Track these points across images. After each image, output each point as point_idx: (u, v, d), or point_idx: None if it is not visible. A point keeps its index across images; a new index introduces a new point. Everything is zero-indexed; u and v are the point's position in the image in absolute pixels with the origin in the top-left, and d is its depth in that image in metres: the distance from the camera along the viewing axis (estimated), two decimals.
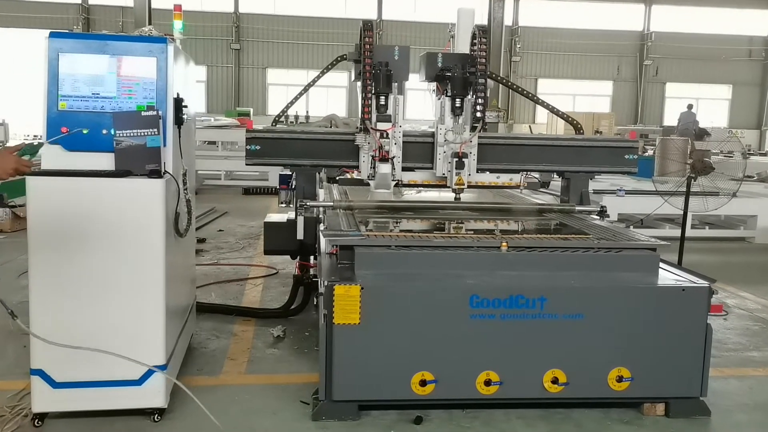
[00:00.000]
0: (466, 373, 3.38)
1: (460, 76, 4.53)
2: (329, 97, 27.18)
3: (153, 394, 3.27)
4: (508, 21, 28.74)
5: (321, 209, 4.66)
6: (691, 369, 3.48)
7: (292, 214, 4.89)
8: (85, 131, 3.25)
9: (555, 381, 3.41)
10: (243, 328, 4.81)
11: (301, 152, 4.98)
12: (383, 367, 3.35)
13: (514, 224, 4.67)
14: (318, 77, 5.18)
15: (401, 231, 4.17)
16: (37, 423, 3.23)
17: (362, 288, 3.28)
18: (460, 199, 4.73)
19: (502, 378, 3.39)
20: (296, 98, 5.43)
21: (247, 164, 5.23)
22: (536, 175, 5.75)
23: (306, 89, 5.29)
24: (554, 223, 4.52)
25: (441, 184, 4.77)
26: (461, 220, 4.65)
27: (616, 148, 5.25)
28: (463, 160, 4.58)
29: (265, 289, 6.01)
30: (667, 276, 3.62)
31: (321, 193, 5.28)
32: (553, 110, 5.56)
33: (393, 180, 4.64)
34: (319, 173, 5.15)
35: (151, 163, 3.27)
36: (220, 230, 8.97)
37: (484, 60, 4.55)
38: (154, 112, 3.28)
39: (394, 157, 4.57)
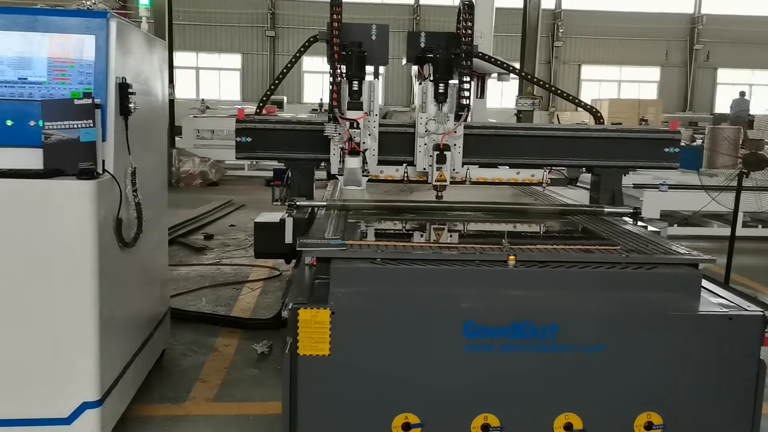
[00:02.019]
0: (459, 416, 2.79)
1: (443, 57, 3.93)
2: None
3: None
4: (550, 4, 27.79)
5: (317, 209, 4.12)
6: (739, 415, 2.83)
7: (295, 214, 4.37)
8: (9, 123, 2.76)
9: (568, 428, 2.80)
10: (226, 342, 4.31)
11: (297, 145, 4.43)
12: (358, 408, 2.79)
13: (528, 230, 4.04)
14: (293, 62, 4.62)
15: (393, 240, 3.59)
16: None
17: (333, 312, 2.72)
18: (442, 197, 4.10)
19: (503, 423, 2.80)
20: (276, 84, 4.87)
21: (237, 158, 4.73)
22: (563, 170, 5.14)
23: (284, 75, 4.74)
24: (576, 230, 3.88)
25: (421, 180, 4.16)
26: (471, 225, 4.05)
27: (654, 140, 4.56)
28: (445, 153, 3.97)
29: (262, 293, 5.50)
30: (711, 300, 2.96)
31: (330, 189, 4.75)
32: (567, 97, 4.91)
33: (366, 175, 4.06)
34: (317, 168, 4.61)
35: (84, 160, 2.76)
36: (232, 225, 8.53)
37: (469, 39, 3.95)
38: (89, 101, 2.76)
39: (366, 149, 3.99)
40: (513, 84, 12.89)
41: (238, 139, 4.46)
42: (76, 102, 2.76)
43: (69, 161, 2.74)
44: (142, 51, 3.30)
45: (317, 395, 2.78)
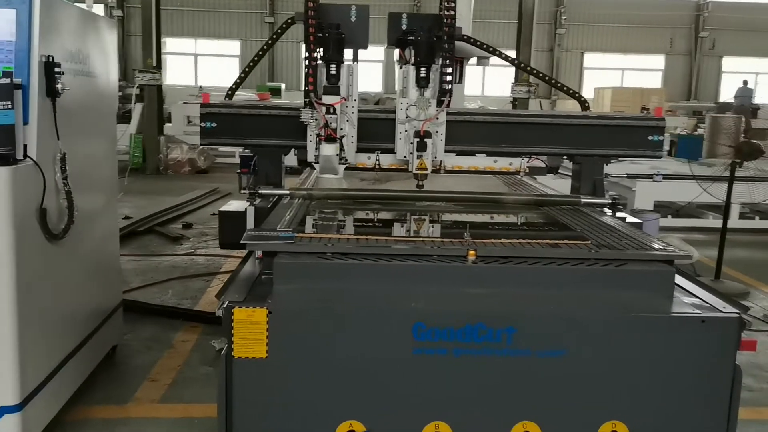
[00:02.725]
0: (408, 423, 2.58)
1: (425, 40, 3.70)
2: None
3: None
4: None
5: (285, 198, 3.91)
6: (712, 424, 2.61)
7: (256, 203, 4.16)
8: None
9: None
10: (185, 338, 4.11)
11: (265, 131, 4.20)
12: (299, 415, 2.58)
13: (498, 222, 3.82)
14: (267, 47, 4.40)
15: (353, 232, 3.38)
16: None
17: (270, 312, 2.50)
18: (422, 186, 3.89)
19: (455, 431, 2.58)
20: (247, 71, 4.64)
21: (201, 144, 4.51)
22: (544, 159, 4.90)
23: (256, 61, 4.51)
24: (549, 222, 3.65)
25: (402, 168, 3.93)
26: (437, 217, 3.82)
27: (637, 128, 4.31)
28: (426, 140, 3.74)
29: None
30: (685, 300, 2.74)
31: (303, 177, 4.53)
32: (550, 82, 4.68)
33: (343, 162, 3.85)
34: (285, 154, 4.38)
35: (2, 145, 2.54)
36: (214, 214, 8.29)
37: (451, 21, 3.71)
38: (8, 80, 2.54)
39: (343, 136, 3.78)
40: (511, 71, 12.63)
41: (203, 124, 4.22)
42: None
43: None
44: (80, 28, 3.07)
45: (254, 401, 2.57)
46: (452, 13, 3.85)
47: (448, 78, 3.83)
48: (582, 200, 4.04)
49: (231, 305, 2.51)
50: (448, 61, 3.82)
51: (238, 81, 4.84)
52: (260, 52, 4.71)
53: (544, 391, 2.58)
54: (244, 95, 17.17)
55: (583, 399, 2.59)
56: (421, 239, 3.00)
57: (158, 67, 11.90)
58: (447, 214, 3.87)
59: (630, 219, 4.25)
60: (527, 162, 4.39)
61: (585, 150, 4.27)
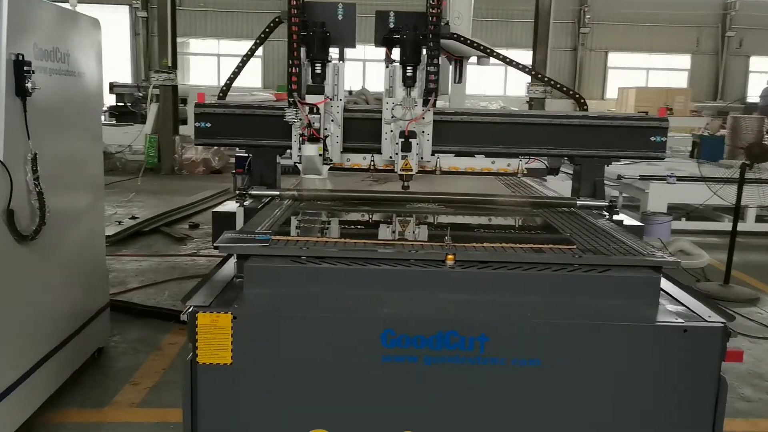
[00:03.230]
0: None
1: (411, 38, 3.63)
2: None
3: None
4: None
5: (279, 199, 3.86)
6: None
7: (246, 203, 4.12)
8: None
9: None
10: (174, 340, 4.08)
11: (259, 131, 4.15)
12: (265, 423, 2.51)
13: (484, 224, 3.71)
14: (256, 45, 4.35)
15: (334, 235, 3.31)
16: None
17: (235, 317, 2.44)
18: (408, 187, 3.82)
19: None
20: (238, 70, 4.59)
21: (196, 144, 4.49)
22: (545, 160, 4.79)
23: (246, 60, 4.45)
24: (538, 225, 3.54)
25: (388, 169, 3.86)
26: (423, 219, 3.73)
27: (639, 128, 4.18)
28: (411, 140, 3.66)
29: None
30: (669, 308, 2.61)
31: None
32: (549, 82, 4.58)
33: (327, 163, 3.80)
34: (281, 155, 4.33)
35: None
36: None
37: (436, 19, 3.63)
38: None
39: (327, 136, 3.71)
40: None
41: (197, 124, 4.19)
42: None
43: None
44: (58, 27, 3.04)
45: (219, 409, 2.50)
46: (438, 11, 3.77)
47: (433, 77, 3.77)
48: (578, 202, 3.95)
49: (195, 309, 2.45)
50: (433, 60, 3.76)
51: (228, 82, 4.80)
52: (249, 52, 4.66)
53: (519, 402, 2.48)
54: (262, 95, 17.22)
55: (559, 410, 2.48)
56: (401, 243, 2.92)
57: (173, 67, 11.94)
58: (434, 216, 3.77)
59: (630, 222, 4.13)
60: (526, 163, 4.31)
61: (584, 151, 4.15)
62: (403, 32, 3.70)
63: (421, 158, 3.83)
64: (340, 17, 3.88)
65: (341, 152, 3.92)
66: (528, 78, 12.03)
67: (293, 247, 2.77)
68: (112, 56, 25.74)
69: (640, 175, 7.77)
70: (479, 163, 4.21)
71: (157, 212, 7.80)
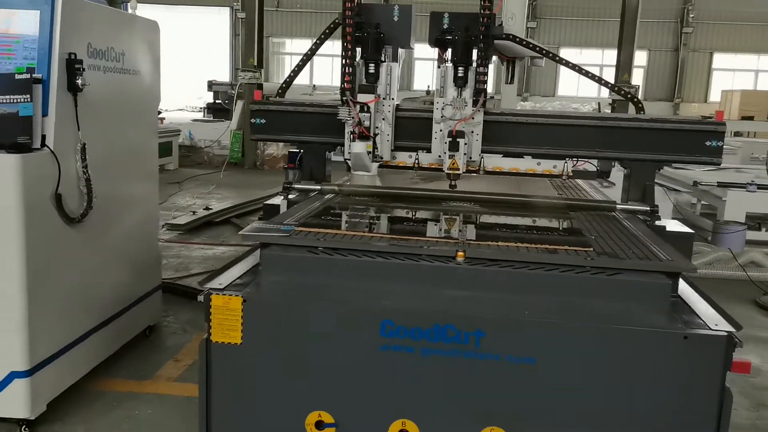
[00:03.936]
0: (374, 419, 2.60)
1: (463, 39, 3.69)
2: None
3: (14, 403, 2.84)
4: None
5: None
6: None
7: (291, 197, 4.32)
8: None
9: None
10: None
11: (310, 128, 4.34)
12: (270, 401, 2.66)
13: (511, 224, 3.73)
14: (317, 46, 4.50)
15: (360, 229, 3.41)
16: None
17: (245, 300, 2.60)
18: (455, 186, 3.88)
19: (422, 431, 2.57)
20: (298, 69, 4.77)
21: (252, 139, 4.73)
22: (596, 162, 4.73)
23: (306, 60, 4.62)
24: (564, 227, 3.52)
25: (433, 168, 3.94)
26: (451, 217, 3.79)
27: (694, 132, 4.05)
28: (458, 140, 3.72)
29: None
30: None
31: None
32: (595, 78, 4.48)
33: (377, 160, 3.92)
34: (330, 151, 4.50)
35: (22, 134, 2.80)
36: None
37: (487, 20, 3.67)
38: (27, 76, 2.79)
39: (377, 134, 3.83)
40: (611, 72, 12.14)
41: (253, 120, 4.44)
42: (17, 77, 2.80)
43: (8, 135, 2.79)
44: (113, 29, 3.31)
45: (230, 384, 2.68)
46: (488, 12, 3.82)
47: (483, 78, 3.82)
48: (617, 206, 3.89)
49: (210, 292, 2.63)
50: (483, 61, 3.81)
51: (288, 80, 5.00)
52: (309, 52, 4.84)
53: (513, 398, 2.51)
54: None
55: (553, 409, 2.49)
56: (414, 238, 2.99)
57: (259, 66, 12.41)
58: (463, 214, 3.81)
59: (677, 228, 4.03)
60: (574, 165, 4.27)
61: (633, 154, 4.08)
62: (455, 33, 3.76)
63: (470, 158, 3.89)
64: (396, 18, 3.98)
65: (392, 150, 4.04)
66: (610, 79, 11.71)
67: (311, 238, 2.91)
68: (215, 56, 26.85)
69: (717, 182, 7.44)
70: (524, 164, 4.22)
71: (230, 204, 8.18)
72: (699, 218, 7.74)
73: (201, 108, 21.64)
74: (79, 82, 2.97)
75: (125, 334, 3.69)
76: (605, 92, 20.46)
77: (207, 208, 7.79)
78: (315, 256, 2.77)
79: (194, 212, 7.57)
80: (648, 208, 3.86)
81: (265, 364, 2.64)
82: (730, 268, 6.18)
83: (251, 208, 8.26)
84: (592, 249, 2.86)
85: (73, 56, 2.94)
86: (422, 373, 2.55)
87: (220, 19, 27.13)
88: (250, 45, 12.29)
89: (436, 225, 3.68)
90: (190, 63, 23.90)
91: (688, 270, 2.76)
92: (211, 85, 20.85)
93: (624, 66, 11.03)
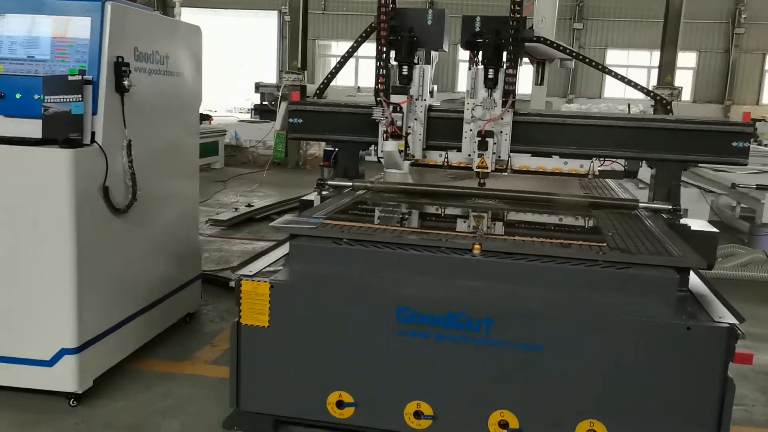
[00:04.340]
0: (391, 399, 2.77)
1: (493, 42, 3.84)
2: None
3: (64, 377, 3.10)
4: None
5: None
6: None
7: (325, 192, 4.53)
8: (18, 96, 3.13)
9: (504, 425, 2.67)
10: None
11: (344, 127, 4.54)
12: (296, 381, 2.86)
13: (531, 221, 3.85)
14: (354, 49, 4.68)
15: (384, 223, 3.58)
16: None
17: (272, 286, 2.80)
18: (485, 184, 4.02)
19: (436, 412, 2.73)
20: (336, 70, 4.96)
21: (289, 138, 4.97)
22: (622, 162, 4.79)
23: (343, 62, 4.81)
24: (583, 224, 3.62)
25: (462, 166, 4.10)
26: (474, 213, 3.93)
27: (720, 133, 4.10)
28: (487, 139, 3.88)
29: None
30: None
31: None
32: (630, 83, 4.54)
33: (409, 159, 4.10)
34: (363, 150, 4.70)
35: (74, 131, 3.06)
36: None
37: (516, 24, 3.81)
38: (79, 77, 3.05)
39: (409, 133, 4.01)
40: (641, 73, 12.01)
41: (291, 120, 4.65)
42: (70, 78, 3.05)
43: (61, 131, 3.05)
44: (158, 34, 3.55)
45: (258, 365, 2.88)
46: (518, 16, 3.95)
47: (511, 79, 3.96)
48: (640, 204, 3.98)
49: (241, 277, 2.84)
50: (513, 63, 3.95)
51: (325, 81, 5.21)
52: (346, 54, 5.03)
53: (522, 383, 2.65)
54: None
55: (560, 395, 2.62)
56: (435, 231, 3.14)
57: (303, 68, 12.71)
58: (486, 210, 3.95)
59: (699, 227, 4.09)
60: (601, 165, 4.36)
61: (659, 154, 4.15)
62: (485, 36, 3.91)
63: (498, 157, 4.04)
64: (429, 22, 4.14)
65: (423, 149, 4.21)
66: (653, 80, 11.62)
67: (337, 231, 3.08)
68: (264, 58, 27.34)
69: (756, 185, 7.36)
70: (551, 163, 4.33)
71: (271, 202, 8.44)
72: (737, 221, 7.67)
73: (249, 109, 22.12)
74: (126, 83, 3.22)
75: (166, 319, 3.94)
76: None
77: (249, 206, 8.07)
78: (339, 247, 2.95)
79: (236, 209, 7.86)
80: (670, 207, 3.93)
81: (290, 346, 2.83)
82: (765, 270, 6.14)
83: (291, 206, 8.48)
84: (605, 244, 2.96)
85: (120, 59, 3.19)
86: (436, 358, 2.70)
87: (269, 23, 27.64)
88: (294, 47, 12.61)
89: (457, 220, 3.83)
90: (240, 66, 24.45)
91: (697, 265, 2.85)
92: (258, 87, 21.30)
93: (666, 67, 10.95)
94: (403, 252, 2.88)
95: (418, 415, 2.74)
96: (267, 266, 3.04)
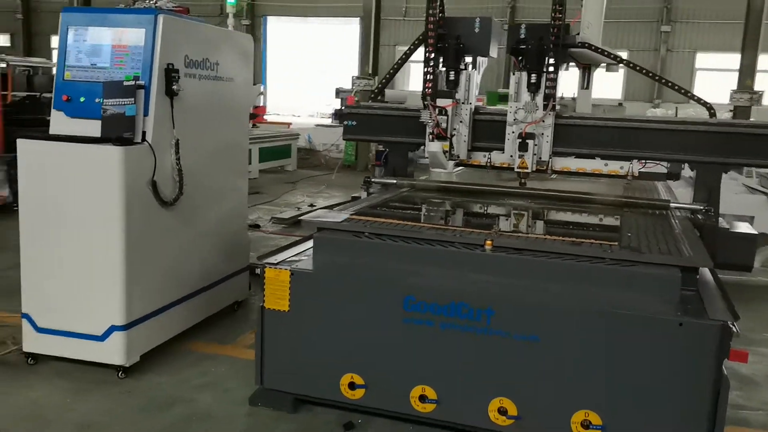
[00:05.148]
0: (398, 383, 2.96)
1: (536, 48, 4.02)
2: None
3: (113, 351, 3.44)
4: None
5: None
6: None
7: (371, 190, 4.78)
8: (82, 99, 3.51)
9: (503, 412, 2.81)
10: None
11: (394, 129, 4.78)
12: (312, 363, 3.09)
13: (555, 220, 3.94)
14: (406, 56, 4.87)
15: (411, 219, 3.76)
16: (30, 361, 3.61)
17: (293, 273, 3.05)
18: (525, 184, 4.19)
19: (439, 396, 2.90)
20: (390, 75, 5.17)
21: (344, 139, 5.24)
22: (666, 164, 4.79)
23: (398, 67, 5.02)
24: (605, 223, 3.69)
25: (504, 167, 4.27)
26: (501, 211, 4.06)
27: (762, 136, 4.08)
28: (528, 141, 4.04)
29: None
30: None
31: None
32: (668, 84, 4.59)
33: (454, 159, 4.30)
34: (412, 150, 4.92)
35: (127, 131, 3.41)
36: None
37: (558, 31, 3.97)
38: (132, 82, 3.40)
39: (454, 135, 4.22)
40: (732, 76, 11.58)
41: (345, 122, 4.95)
42: (125, 83, 3.41)
43: (117, 131, 3.40)
44: (209, 43, 3.88)
45: (279, 346, 3.13)
46: (559, 23, 4.08)
47: (552, 84, 4.09)
48: (671, 205, 4.01)
49: (265, 265, 3.10)
50: (554, 68, 4.08)
51: (380, 86, 5.44)
52: (399, 61, 5.23)
53: (520, 372, 2.78)
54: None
55: (556, 384, 2.73)
56: (451, 227, 3.30)
57: (374, 74, 13.01)
58: (514, 208, 4.06)
59: (742, 230, 4.09)
60: (642, 167, 4.40)
61: (700, 157, 4.16)
62: (528, 42, 4.07)
63: (539, 158, 4.17)
64: (477, 30, 4.31)
65: (468, 150, 4.38)
66: (734, 84, 11.20)
67: (359, 225, 3.28)
68: (346, 64, 27.98)
69: None
70: (591, 164, 4.41)
71: (334, 203, 8.74)
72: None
73: (329, 114, 22.70)
74: (175, 87, 3.55)
75: (213, 305, 4.26)
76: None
77: (311, 205, 8.40)
78: (357, 239, 3.15)
79: (299, 208, 8.21)
80: (701, 207, 3.93)
81: (307, 330, 3.07)
82: None
83: None
84: (616, 243, 3.03)
85: (170, 66, 3.52)
86: (440, 345, 2.87)
87: (351, 29, 28.23)
88: (366, 53, 12.94)
89: (481, 217, 3.97)
90: (323, 73, 25.17)
91: (703, 265, 2.88)
92: (338, 92, 21.83)
93: (746, 71, 10.53)
94: (417, 246, 3.05)
95: (423, 398, 2.92)
96: (292, 256, 3.29)
